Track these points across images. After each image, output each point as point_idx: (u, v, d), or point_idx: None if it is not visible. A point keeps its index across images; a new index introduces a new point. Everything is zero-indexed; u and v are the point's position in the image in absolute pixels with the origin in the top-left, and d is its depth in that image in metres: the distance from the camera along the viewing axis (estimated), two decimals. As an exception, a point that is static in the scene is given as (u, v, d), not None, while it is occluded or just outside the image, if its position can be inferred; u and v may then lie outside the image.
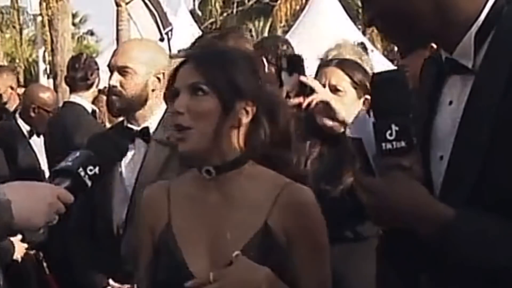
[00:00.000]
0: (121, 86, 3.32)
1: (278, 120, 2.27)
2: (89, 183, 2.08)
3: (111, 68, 3.37)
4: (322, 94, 3.09)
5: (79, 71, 5.54)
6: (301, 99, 3.09)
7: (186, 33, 13.01)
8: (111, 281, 3.34)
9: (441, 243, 1.79)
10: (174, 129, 2.21)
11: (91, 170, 2.07)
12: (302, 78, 3.10)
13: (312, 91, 3.09)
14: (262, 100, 2.24)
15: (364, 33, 21.05)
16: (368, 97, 3.12)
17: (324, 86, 3.24)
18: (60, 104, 6.67)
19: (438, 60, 1.95)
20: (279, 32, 24.24)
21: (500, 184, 1.76)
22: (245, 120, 2.22)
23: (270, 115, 2.25)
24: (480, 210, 1.77)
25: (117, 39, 14.56)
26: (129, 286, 3.30)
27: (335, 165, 3.21)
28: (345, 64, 3.37)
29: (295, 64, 3.15)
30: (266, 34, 28.37)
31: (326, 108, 3.09)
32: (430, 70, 2.01)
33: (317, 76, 3.36)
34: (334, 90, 3.25)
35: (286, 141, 2.31)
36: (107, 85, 4.64)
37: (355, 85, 3.22)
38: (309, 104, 3.09)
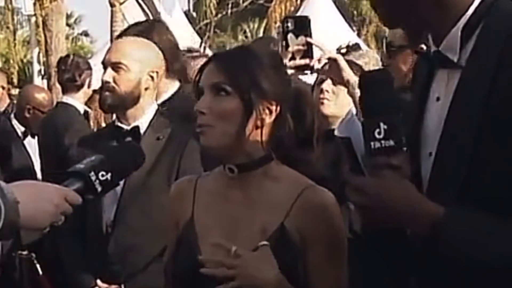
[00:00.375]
0: (114, 82, 3.31)
1: (304, 118, 2.33)
2: (99, 188, 2.07)
3: (105, 64, 3.36)
4: (330, 53, 3.07)
5: (66, 72, 5.54)
6: (307, 60, 3.06)
7: (180, 34, 13.03)
8: (99, 281, 3.33)
9: (433, 241, 1.78)
10: (199, 126, 2.24)
11: (103, 176, 2.07)
12: (309, 39, 3.08)
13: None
14: (286, 99, 2.27)
15: (358, 34, 21.09)
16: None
17: (325, 78, 3.26)
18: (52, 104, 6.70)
19: (429, 55, 1.95)
20: (274, 33, 24.22)
21: (487, 181, 1.76)
22: (268, 120, 2.24)
23: (295, 113, 2.28)
24: (469, 207, 1.77)
25: (111, 40, 14.56)
26: (116, 286, 3.30)
27: (333, 163, 3.21)
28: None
29: (302, 25, 3.13)
30: (261, 35, 28.39)
31: (334, 66, 3.06)
32: (421, 67, 2.01)
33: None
34: (335, 82, 3.25)
35: (310, 139, 2.35)
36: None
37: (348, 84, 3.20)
38: (312, 67, 3.07)
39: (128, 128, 3.35)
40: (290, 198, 2.22)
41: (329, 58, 3.05)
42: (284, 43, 3.09)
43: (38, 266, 4.79)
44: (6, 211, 1.84)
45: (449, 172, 1.82)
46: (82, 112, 5.44)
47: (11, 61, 25.11)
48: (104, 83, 3.33)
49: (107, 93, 3.33)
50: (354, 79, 3.02)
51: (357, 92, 2.98)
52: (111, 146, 2.25)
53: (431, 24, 1.90)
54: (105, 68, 3.37)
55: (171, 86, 3.89)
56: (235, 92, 2.20)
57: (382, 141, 1.76)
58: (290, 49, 3.06)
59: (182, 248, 2.31)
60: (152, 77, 3.37)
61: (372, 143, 1.77)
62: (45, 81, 16.16)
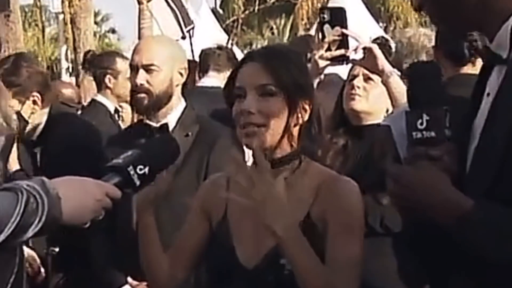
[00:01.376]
0: (148, 83, 3.34)
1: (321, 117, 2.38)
2: (137, 182, 2.08)
3: (135, 66, 3.38)
4: (366, 43, 3.08)
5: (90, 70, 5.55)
6: (343, 50, 3.09)
7: (208, 31, 13.05)
8: (129, 279, 3.36)
9: (459, 233, 1.80)
10: (245, 127, 2.28)
11: (141, 170, 2.07)
12: (345, 30, 3.09)
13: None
14: (314, 98, 2.36)
15: (385, 30, 21.03)
16: None
17: (356, 75, 3.25)
18: (83, 102, 6.70)
19: (485, 53, 1.98)
20: (301, 30, 24.23)
21: None
22: (304, 118, 2.32)
23: (318, 112, 2.37)
24: (498, 203, 1.77)
25: (139, 38, 14.63)
26: (146, 283, 3.30)
27: (364, 159, 3.20)
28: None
29: (338, 16, 3.14)
30: (287, 32, 28.44)
31: (370, 56, 3.08)
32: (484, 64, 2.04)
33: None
34: (366, 79, 3.26)
35: (318, 133, 2.39)
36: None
37: (382, 74, 3.19)
38: (348, 57, 3.11)
39: (157, 125, 3.37)
40: (314, 188, 2.30)
41: (364, 48, 3.07)
42: (320, 34, 3.11)
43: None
44: (49, 207, 1.85)
45: (483, 166, 1.84)
46: (112, 110, 5.40)
47: (39, 59, 25.36)
48: (138, 86, 3.35)
49: (141, 95, 3.35)
50: (389, 68, 3.04)
51: (392, 81, 3.00)
52: (148, 140, 2.29)
53: (478, 25, 1.94)
54: (135, 70, 3.39)
55: (44, 114, 3.93)
56: (280, 93, 2.28)
57: (424, 132, 1.80)
58: (326, 39, 3.08)
59: (215, 245, 2.38)
60: (181, 74, 3.42)
61: (413, 133, 1.82)
62: (73, 78, 16.30)
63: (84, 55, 5.97)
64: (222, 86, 5.10)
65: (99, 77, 5.39)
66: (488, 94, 1.92)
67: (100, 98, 5.44)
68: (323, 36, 3.12)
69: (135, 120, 6.02)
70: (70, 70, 19.32)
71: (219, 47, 5.52)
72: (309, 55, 4.99)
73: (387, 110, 3.16)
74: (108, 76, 5.34)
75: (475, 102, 1.97)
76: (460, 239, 1.80)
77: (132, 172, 2.07)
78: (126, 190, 2.09)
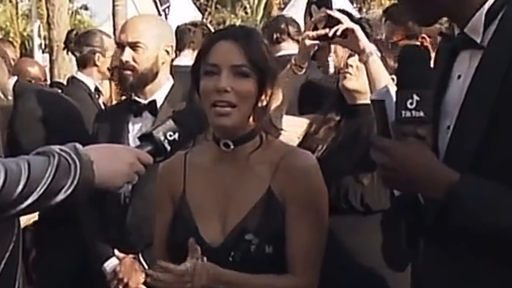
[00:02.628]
0: (134, 61, 3.41)
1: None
2: (168, 147, 2.14)
3: (121, 44, 3.45)
4: (348, 23, 3.16)
5: (72, 48, 5.56)
6: (327, 30, 3.18)
7: (182, 10, 13.03)
8: (116, 251, 3.43)
9: (448, 206, 1.88)
10: (216, 105, 2.31)
11: (171, 136, 2.13)
12: (329, 11, 3.19)
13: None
14: (277, 85, 2.42)
15: (360, 11, 21.09)
16: (395, 77, 3.21)
17: (353, 54, 3.34)
18: (54, 79, 6.66)
19: (452, 37, 2.07)
20: (275, 9, 24.24)
21: (499, 154, 1.86)
22: (266, 102, 2.37)
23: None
24: (481, 177, 1.86)
25: (113, 15, 14.55)
26: (133, 256, 3.40)
27: (351, 136, 3.29)
28: (381, 43, 3.54)
29: None
30: (261, 11, 28.36)
31: (352, 36, 3.16)
32: (444, 48, 2.12)
33: None
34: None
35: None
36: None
37: (385, 62, 3.24)
38: (335, 34, 3.17)
39: (145, 102, 3.44)
40: (274, 163, 2.36)
41: (346, 28, 3.15)
42: (308, 13, 3.21)
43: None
44: (81, 169, 1.86)
45: (464, 144, 1.93)
46: (93, 88, 5.45)
47: (12, 34, 25.06)
48: (124, 63, 3.41)
49: (127, 72, 3.42)
50: (369, 49, 3.12)
51: (371, 62, 3.08)
52: (178, 110, 2.36)
53: (450, 12, 2.02)
54: (121, 47, 3.45)
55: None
56: (253, 75, 2.32)
57: (413, 111, 1.87)
58: (312, 19, 3.17)
59: (178, 223, 2.42)
60: (167, 52, 3.48)
61: (403, 112, 1.88)
62: (46, 55, 16.16)
63: (67, 34, 5.97)
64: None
65: (87, 55, 5.42)
66: (459, 77, 2.01)
67: (80, 75, 5.48)
68: (311, 16, 3.22)
69: (113, 97, 6.09)
70: (43, 46, 19.15)
71: (194, 24, 5.53)
72: (275, 35, 5.10)
73: None
74: (97, 54, 5.41)
75: (442, 83, 2.05)
76: (449, 211, 1.88)
77: (162, 138, 2.13)
78: (159, 156, 2.14)
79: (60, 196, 1.84)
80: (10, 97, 3.41)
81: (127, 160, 2.00)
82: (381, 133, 1.95)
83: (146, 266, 3.35)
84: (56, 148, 1.88)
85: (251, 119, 2.36)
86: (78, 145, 1.91)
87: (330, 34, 3.17)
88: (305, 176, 2.34)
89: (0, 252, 1.95)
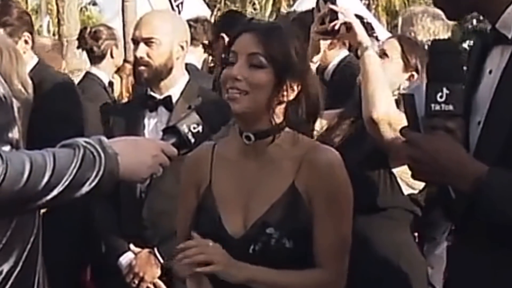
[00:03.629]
0: (148, 56, 3.43)
1: (315, 100, 2.44)
2: (192, 140, 2.15)
3: (136, 40, 3.47)
4: (347, 18, 3.18)
5: (84, 44, 5.59)
6: (329, 25, 3.20)
7: (192, 6, 13.04)
8: (132, 246, 3.45)
9: (475, 198, 1.91)
10: (229, 91, 2.34)
11: (194, 128, 2.15)
12: (331, 5, 3.21)
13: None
14: (307, 82, 2.41)
15: (368, 7, 21.05)
16: (416, 74, 3.22)
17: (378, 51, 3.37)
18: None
19: (484, 33, 2.09)
20: (284, 5, 24.24)
21: None
22: (289, 98, 2.38)
23: (309, 95, 2.41)
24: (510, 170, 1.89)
25: (123, 10, 14.56)
26: (149, 250, 3.42)
27: (360, 134, 3.30)
28: (404, 39, 3.50)
29: None
30: (270, 7, 28.35)
31: (351, 30, 3.17)
32: (476, 44, 2.15)
33: None
34: (382, 54, 3.35)
35: (314, 112, 2.45)
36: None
37: (406, 59, 3.29)
38: (338, 29, 3.19)
39: (161, 97, 3.46)
40: (298, 158, 2.37)
41: (344, 23, 3.17)
42: (317, 9, 3.24)
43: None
44: (106, 162, 1.88)
45: (492, 138, 1.96)
46: (107, 82, 5.49)
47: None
48: (139, 59, 3.44)
49: (142, 67, 3.44)
50: (367, 43, 3.13)
51: (367, 56, 3.07)
52: (202, 102, 2.38)
53: (481, 7, 2.04)
54: (136, 43, 3.48)
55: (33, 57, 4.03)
56: (270, 67, 2.34)
57: (442, 105, 1.89)
58: (319, 13, 3.20)
59: (202, 213, 2.44)
60: (182, 47, 3.51)
61: (432, 105, 1.90)
62: (55, 50, 16.18)
63: (81, 31, 5.98)
64: (199, 63, 5.14)
65: (105, 48, 5.47)
66: (491, 72, 2.02)
67: (94, 70, 5.52)
68: (318, 11, 3.26)
69: (124, 93, 6.12)
70: (52, 42, 19.14)
71: (195, 20, 5.55)
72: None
73: (399, 87, 3.22)
74: (113, 46, 5.49)
75: (474, 79, 2.07)
76: (478, 203, 1.91)
77: (186, 131, 2.14)
78: (182, 150, 2.15)
79: (85, 188, 1.85)
80: (30, 91, 3.43)
81: (152, 152, 2.01)
82: (411, 127, 1.97)
83: (161, 260, 3.38)
84: (81, 140, 1.90)
85: (272, 115, 2.36)
86: (103, 138, 1.93)
87: (329, 29, 3.20)
88: (329, 172, 2.35)
89: (22, 244, 1.96)
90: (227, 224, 2.37)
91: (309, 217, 2.33)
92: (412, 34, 4.22)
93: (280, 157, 2.38)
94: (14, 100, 1.96)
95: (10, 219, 1.92)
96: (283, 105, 2.39)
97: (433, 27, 4.26)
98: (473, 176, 1.89)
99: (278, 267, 2.31)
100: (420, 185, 3.13)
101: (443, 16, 3.91)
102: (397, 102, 3.16)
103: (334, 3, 3.24)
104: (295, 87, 2.38)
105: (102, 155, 1.88)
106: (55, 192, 1.81)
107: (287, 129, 2.40)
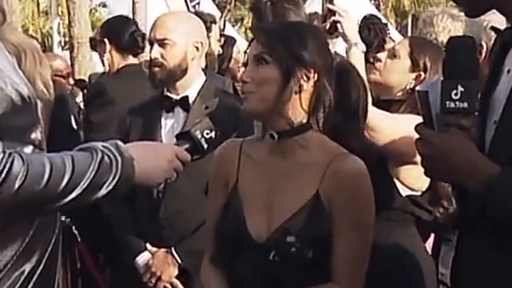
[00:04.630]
0: (162, 57, 3.45)
1: (349, 94, 2.43)
2: (205, 145, 2.19)
3: (151, 41, 3.50)
4: (339, 17, 3.24)
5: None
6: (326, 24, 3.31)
7: (208, 7, 13.05)
8: (148, 246, 3.46)
9: (486, 197, 1.91)
10: (241, 93, 2.40)
11: (208, 134, 2.18)
12: (329, 5, 3.30)
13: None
14: (324, 68, 2.38)
15: (378, 8, 21.04)
16: (423, 74, 3.24)
17: (384, 49, 3.42)
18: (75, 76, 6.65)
19: (505, 32, 2.08)
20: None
21: None
22: (307, 86, 2.36)
23: (340, 88, 2.40)
24: None
25: (133, 12, 14.60)
26: (166, 249, 3.43)
27: None
28: (416, 39, 3.55)
29: None
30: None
31: (339, 29, 3.27)
32: (497, 43, 2.14)
33: None
34: (392, 54, 3.38)
35: (354, 111, 2.44)
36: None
37: (414, 59, 3.30)
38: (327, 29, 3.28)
39: (178, 98, 3.48)
40: (323, 166, 2.33)
41: (333, 21, 3.25)
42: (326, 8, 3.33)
43: (76, 232, 4.87)
44: (122, 166, 1.91)
45: (506, 138, 1.95)
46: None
47: (31, 32, 25.12)
48: (153, 60, 3.46)
49: (156, 69, 3.46)
50: (354, 40, 3.21)
51: (351, 53, 3.13)
52: (215, 108, 2.41)
53: (500, 5, 2.04)
54: (151, 45, 3.50)
55: None
56: (273, 61, 2.35)
57: (457, 102, 1.89)
58: (321, 13, 3.26)
59: (228, 213, 2.43)
60: (197, 48, 3.51)
61: (447, 102, 1.90)
62: (65, 52, 16.24)
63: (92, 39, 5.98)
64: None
65: None
66: (509, 71, 2.02)
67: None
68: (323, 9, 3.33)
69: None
70: (63, 43, 19.22)
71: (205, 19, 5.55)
72: None
73: (405, 87, 3.26)
74: None
75: (493, 78, 2.07)
76: (489, 203, 1.91)
77: (199, 136, 2.17)
78: (196, 154, 2.18)
79: (102, 192, 1.88)
80: (51, 91, 3.48)
81: (167, 157, 2.05)
82: (426, 124, 1.97)
83: (179, 260, 3.39)
84: (98, 144, 1.93)
85: (292, 108, 2.35)
86: (120, 143, 1.96)
87: (325, 28, 3.27)
88: (353, 183, 2.32)
89: (44, 245, 1.97)
90: (251, 227, 2.36)
91: (331, 228, 2.31)
92: (433, 35, 4.22)
93: (307, 161, 2.36)
94: (38, 101, 1.98)
95: (32, 219, 1.94)
96: (305, 96, 2.37)
97: (453, 28, 4.26)
98: (484, 176, 1.89)
99: (298, 274, 2.29)
100: (421, 186, 3.13)
101: (462, 17, 3.93)
102: (401, 101, 3.21)
103: (331, 2, 3.33)
104: (310, 76, 2.36)
105: (119, 159, 1.91)
106: (73, 195, 1.84)
107: (314, 131, 2.38)
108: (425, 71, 3.25)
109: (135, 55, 4.78)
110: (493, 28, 2.20)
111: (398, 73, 3.29)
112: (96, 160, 1.88)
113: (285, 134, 2.37)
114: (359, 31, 4.25)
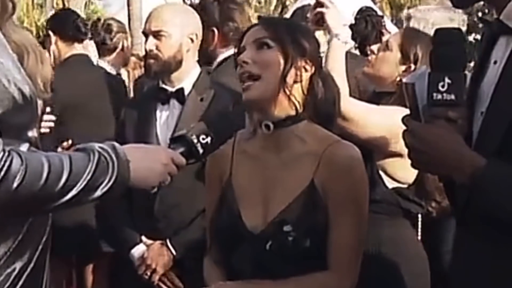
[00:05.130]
0: (157, 49, 3.45)
1: (331, 84, 2.47)
2: (201, 150, 2.18)
3: (146, 33, 3.49)
4: (322, 8, 3.24)
5: (97, 36, 5.63)
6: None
7: (198, -1, 13.04)
8: (144, 238, 3.46)
9: (472, 190, 1.91)
10: (242, 78, 2.38)
11: (203, 139, 2.18)
12: None
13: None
14: (319, 64, 2.44)
15: (373, 1, 21.03)
16: (413, 66, 3.24)
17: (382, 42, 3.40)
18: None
19: (492, 23, 2.07)
20: (288, -1, 24.14)
21: None
22: (305, 77, 2.38)
23: (324, 80, 2.43)
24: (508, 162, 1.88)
25: (128, 4, 14.60)
26: (161, 242, 3.43)
27: None
28: (408, 31, 3.58)
29: None
30: (274, 1, 28.39)
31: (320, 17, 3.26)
32: (485, 35, 2.14)
33: None
34: (384, 46, 3.40)
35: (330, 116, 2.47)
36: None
37: (404, 51, 3.31)
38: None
39: (173, 90, 3.47)
40: (318, 154, 2.35)
41: (317, 12, 3.24)
42: None
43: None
44: (118, 168, 1.91)
45: (493, 129, 1.95)
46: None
47: (26, 24, 25.05)
48: (148, 52, 3.46)
49: (151, 60, 3.46)
50: (334, 32, 3.19)
51: (330, 45, 3.13)
52: (210, 113, 2.40)
53: None
54: (146, 36, 3.50)
55: None
56: (277, 46, 2.36)
57: (444, 94, 1.88)
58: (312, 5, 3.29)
59: (223, 206, 2.44)
60: (192, 39, 3.51)
61: (434, 94, 1.89)
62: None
63: (92, 23, 6.01)
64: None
65: (116, 42, 5.52)
66: (496, 62, 2.02)
67: (102, 63, 5.53)
68: None
69: (131, 86, 6.13)
70: (58, 36, 19.11)
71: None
72: None
73: (395, 79, 3.28)
74: (124, 40, 5.58)
75: (480, 69, 2.07)
76: (474, 195, 1.91)
77: (195, 141, 2.17)
78: (191, 158, 2.18)
79: (98, 193, 1.89)
80: (49, 90, 3.50)
81: (162, 161, 2.05)
82: (412, 115, 1.97)
83: (174, 252, 3.39)
84: (95, 145, 1.94)
85: (288, 99, 2.36)
86: (117, 144, 1.97)
87: (311, 19, 3.28)
88: (347, 171, 2.33)
89: (36, 243, 1.98)
90: (246, 219, 2.36)
91: (327, 216, 2.32)
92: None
93: (301, 151, 2.37)
94: (38, 100, 1.98)
95: (26, 218, 1.94)
96: (300, 90, 2.39)
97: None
98: (470, 168, 1.89)
99: (295, 265, 2.30)
100: (408, 179, 3.13)
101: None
102: (394, 93, 3.21)
103: None
104: (308, 68, 2.39)
105: (115, 161, 1.92)
106: (70, 195, 1.85)
107: (307, 121, 2.40)
108: (415, 62, 3.25)
109: (80, 42, 4.96)
110: (481, 19, 2.20)
111: (389, 65, 3.30)
112: (93, 161, 1.89)
113: (280, 124, 2.37)
114: (355, 24, 4.27)
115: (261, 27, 2.41)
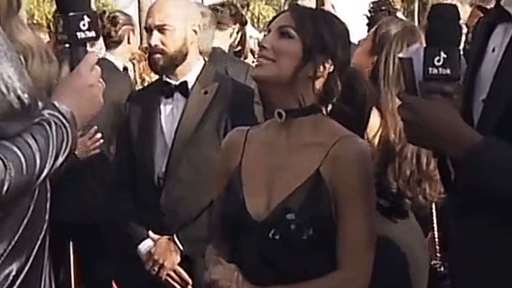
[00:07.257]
0: (162, 43, 3.41)
1: (356, 97, 2.42)
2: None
3: (149, 28, 3.46)
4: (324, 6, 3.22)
5: (102, 28, 5.60)
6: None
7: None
8: (150, 233, 3.44)
9: (468, 165, 1.89)
10: (257, 58, 2.38)
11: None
12: None
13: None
14: (341, 65, 2.38)
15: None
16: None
17: None
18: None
19: (491, 11, 2.05)
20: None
21: None
22: (322, 74, 2.35)
23: (348, 81, 2.40)
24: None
25: (138, -4, 14.60)
26: (168, 237, 3.41)
27: None
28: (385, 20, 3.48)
29: None
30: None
31: None
32: (482, 22, 2.13)
33: None
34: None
35: (360, 116, 2.46)
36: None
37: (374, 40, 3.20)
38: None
39: (177, 83, 3.44)
40: (327, 146, 2.32)
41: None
42: None
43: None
44: (70, 128, 1.94)
45: (491, 113, 1.94)
46: (121, 68, 5.49)
47: (36, 17, 25.07)
48: (153, 47, 3.42)
49: (157, 55, 3.42)
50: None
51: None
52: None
53: None
54: (149, 31, 3.46)
55: None
56: (299, 37, 2.33)
57: (440, 68, 1.88)
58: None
59: (229, 193, 2.42)
60: (195, 31, 3.48)
61: (430, 68, 1.89)
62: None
63: (100, 16, 5.99)
64: (225, 46, 5.16)
65: (122, 34, 5.49)
66: (494, 50, 2.00)
67: (109, 56, 5.51)
68: None
69: (137, 79, 6.12)
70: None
71: (222, 4, 5.52)
72: None
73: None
74: (130, 32, 5.50)
75: (478, 57, 2.05)
76: (470, 171, 1.90)
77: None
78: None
79: (60, 159, 1.92)
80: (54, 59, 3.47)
81: (87, 83, 2.06)
82: (409, 90, 1.97)
83: (181, 247, 3.38)
84: (45, 113, 1.93)
85: (303, 92, 2.33)
86: (57, 103, 1.97)
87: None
88: (355, 166, 2.29)
89: (32, 242, 1.96)
90: (250, 206, 2.34)
91: (331, 206, 2.28)
92: None
93: (311, 141, 2.35)
94: (39, 103, 1.97)
95: (23, 217, 1.93)
96: (318, 83, 2.36)
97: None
98: (466, 143, 1.87)
99: (298, 254, 2.28)
100: None
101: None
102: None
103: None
104: (327, 66, 2.36)
105: (66, 124, 1.94)
106: (45, 173, 1.88)
107: (322, 115, 2.37)
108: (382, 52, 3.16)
109: None
110: (479, 7, 2.20)
111: (360, 55, 3.23)
112: (52, 134, 1.91)
113: (293, 113, 2.35)
114: (371, 16, 4.25)
115: (289, 15, 2.39)
